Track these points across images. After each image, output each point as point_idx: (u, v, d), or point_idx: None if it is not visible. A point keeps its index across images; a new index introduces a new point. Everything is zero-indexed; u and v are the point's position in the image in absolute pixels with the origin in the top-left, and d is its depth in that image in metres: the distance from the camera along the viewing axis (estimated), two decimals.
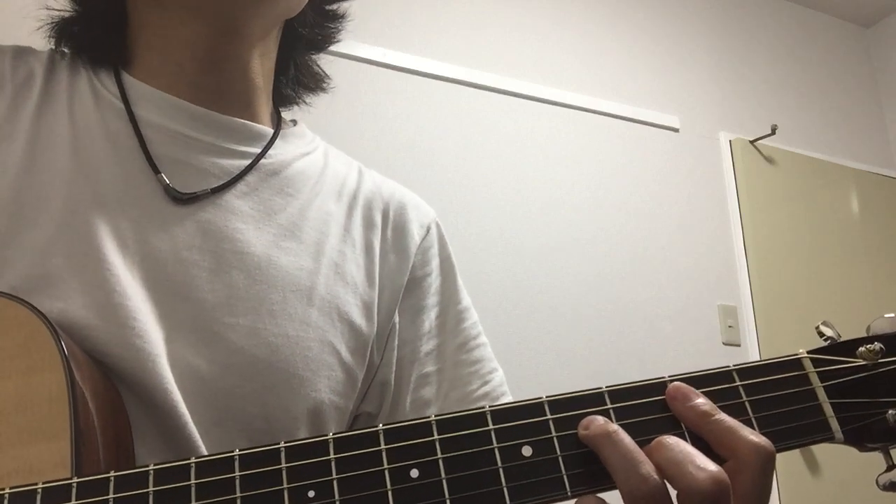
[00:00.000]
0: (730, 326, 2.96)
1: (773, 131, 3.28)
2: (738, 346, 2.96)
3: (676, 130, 3.20)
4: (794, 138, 3.51)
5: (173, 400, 0.59)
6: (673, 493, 0.45)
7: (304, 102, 0.88)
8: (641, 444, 0.46)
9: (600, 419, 0.47)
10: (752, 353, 2.96)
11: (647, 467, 0.44)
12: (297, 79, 0.85)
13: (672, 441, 0.46)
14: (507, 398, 0.77)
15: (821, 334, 0.54)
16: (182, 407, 0.59)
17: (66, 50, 0.75)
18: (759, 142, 3.33)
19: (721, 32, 3.57)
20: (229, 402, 0.62)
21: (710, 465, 0.44)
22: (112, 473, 0.45)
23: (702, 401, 0.48)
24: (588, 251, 2.80)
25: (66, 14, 0.75)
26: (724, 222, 3.17)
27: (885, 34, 4.03)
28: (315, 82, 0.87)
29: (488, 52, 2.89)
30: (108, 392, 0.56)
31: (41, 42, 0.75)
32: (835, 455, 2.76)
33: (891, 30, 4.01)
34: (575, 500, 0.46)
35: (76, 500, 0.44)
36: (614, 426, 0.47)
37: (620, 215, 2.92)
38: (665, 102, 3.24)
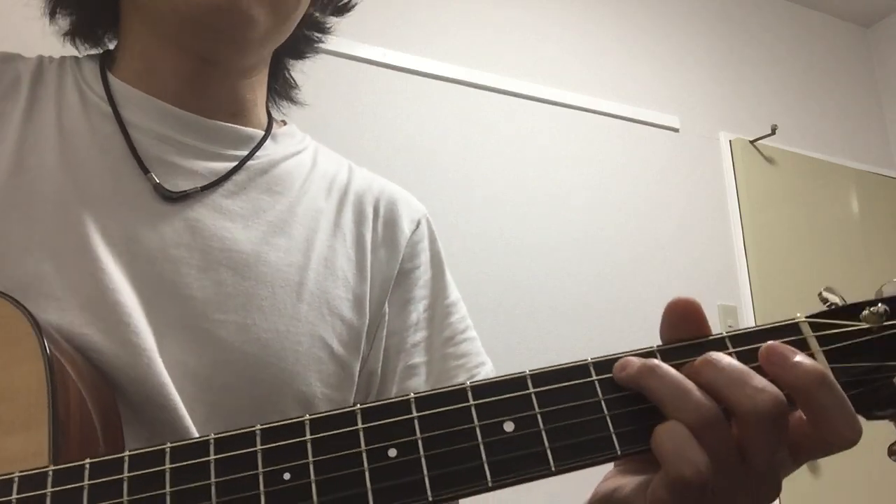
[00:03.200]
0: (730, 326, 2.95)
1: (773, 131, 3.28)
2: None
3: (676, 130, 3.20)
4: (794, 138, 3.51)
5: (170, 395, 0.59)
6: None
7: (277, 108, 0.89)
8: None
9: (636, 359, 0.47)
10: None
11: (697, 395, 0.44)
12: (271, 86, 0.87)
13: (723, 360, 0.45)
14: None
15: (824, 300, 0.51)
16: (178, 402, 0.59)
17: (58, 21, 0.76)
18: (759, 142, 3.32)
19: (721, 32, 3.56)
20: (221, 398, 0.62)
21: (771, 387, 0.43)
22: (87, 461, 0.44)
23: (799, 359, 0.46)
24: (588, 251, 2.80)
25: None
26: (724, 222, 3.16)
27: (885, 34, 4.02)
28: (286, 90, 0.89)
29: (488, 52, 2.89)
30: (95, 383, 0.56)
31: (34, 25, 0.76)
32: (835, 455, 2.75)
33: (891, 30, 4.00)
34: (562, 473, 0.45)
35: (52, 487, 0.44)
36: (654, 360, 0.46)
37: (620, 215, 2.92)
38: (665, 102, 3.24)
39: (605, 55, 3.18)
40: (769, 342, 0.46)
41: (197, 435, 0.59)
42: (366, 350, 0.74)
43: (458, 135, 2.71)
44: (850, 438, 0.44)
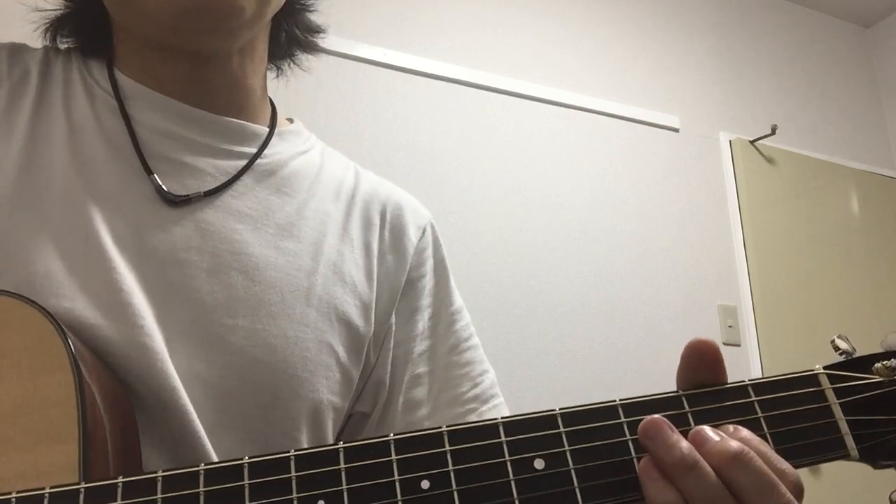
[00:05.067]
0: (730, 326, 2.96)
1: (773, 131, 3.28)
2: (738, 346, 2.96)
3: (676, 130, 3.20)
4: (794, 138, 3.51)
5: (181, 399, 0.59)
6: None
7: (295, 62, 0.85)
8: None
9: (675, 446, 0.46)
10: (752, 354, 2.96)
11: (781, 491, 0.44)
12: (292, 36, 0.83)
13: (756, 463, 0.45)
14: (498, 400, 0.77)
15: (836, 348, 0.53)
16: (189, 406, 0.59)
17: (59, 45, 0.75)
18: (759, 142, 3.33)
19: (721, 32, 3.57)
20: (229, 403, 0.62)
21: (793, 501, 0.44)
22: (120, 479, 0.45)
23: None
24: (588, 251, 2.80)
25: (59, 12, 0.75)
26: (724, 222, 3.16)
27: (885, 34, 4.03)
28: (307, 38, 0.84)
29: (488, 52, 2.89)
30: (116, 394, 0.56)
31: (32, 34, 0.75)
32: None
33: (891, 30, 4.01)
34: None
35: None
36: (695, 457, 0.45)
37: (620, 215, 2.92)
38: (665, 102, 3.24)
39: (605, 55, 3.18)
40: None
41: (206, 440, 0.59)
42: (373, 359, 0.74)
43: (458, 135, 2.71)
44: None
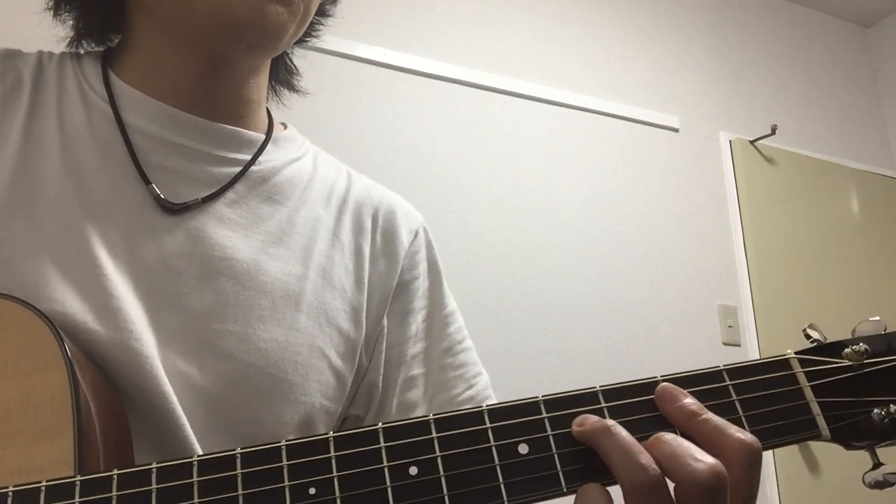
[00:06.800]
0: (730, 326, 2.96)
1: (773, 131, 3.29)
2: (738, 346, 2.96)
3: (676, 130, 3.20)
4: (794, 138, 3.51)
5: (171, 404, 0.59)
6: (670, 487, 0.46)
7: (278, 98, 0.88)
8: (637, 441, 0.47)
9: (594, 417, 0.48)
10: (751, 353, 2.96)
11: (646, 458, 0.45)
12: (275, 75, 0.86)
13: (669, 437, 0.47)
14: (492, 402, 0.78)
15: (807, 336, 0.55)
16: (179, 410, 0.60)
17: (60, 17, 0.75)
18: (759, 142, 3.33)
19: (721, 32, 3.57)
20: (220, 408, 0.63)
21: (709, 458, 0.45)
22: (115, 472, 0.45)
23: (689, 401, 0.49)
24: (588, 251, 2.80)
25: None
26: (724, 222, 3.17)
27: (885, 34, 4.03)
28: (287, 78, 0.87)
29: (488, 52, 2.89)
30: (108, 394, 0.57)
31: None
32: (835, 455, 2.77)
33: (891, 30, 4.01)
34: (573, 494, 0.47)
35: (80, 498, 0.44)
36: (610, 421, 0.47)
37: (620, 215, 2.93)
38: (665, 102, 3.25)
39: (605, 55, 3.18)
40: (664, 384, 0.50)
41: (196, 444, 0.60)
42: (365, 362, 0.75)
43: (458, 135, 2.72)
44: (700, 471, 0.44)
